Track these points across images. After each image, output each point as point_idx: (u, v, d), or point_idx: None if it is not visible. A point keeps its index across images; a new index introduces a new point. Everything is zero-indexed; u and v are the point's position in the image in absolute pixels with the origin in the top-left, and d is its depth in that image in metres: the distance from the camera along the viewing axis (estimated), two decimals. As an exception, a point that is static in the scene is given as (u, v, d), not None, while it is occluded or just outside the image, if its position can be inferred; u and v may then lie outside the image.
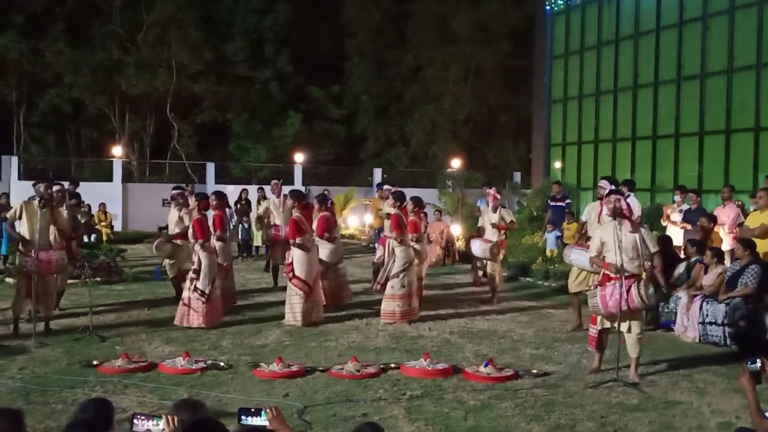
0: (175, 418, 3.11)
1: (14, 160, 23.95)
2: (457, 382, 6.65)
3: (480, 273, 11.75)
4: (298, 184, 25.64)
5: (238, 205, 17.53)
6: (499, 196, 11.01)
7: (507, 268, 13.25)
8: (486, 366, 6.81)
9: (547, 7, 24.31)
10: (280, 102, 30.44)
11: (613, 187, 7.88)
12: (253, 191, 18.47)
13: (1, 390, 6.17)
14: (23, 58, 26.38)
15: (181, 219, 10.32)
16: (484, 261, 11.01)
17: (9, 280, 10.11)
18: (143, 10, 27.43)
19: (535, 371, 6.96)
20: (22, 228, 8.46)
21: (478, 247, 10.80)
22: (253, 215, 17.21)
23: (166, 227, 10.86)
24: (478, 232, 11.23)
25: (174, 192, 10.85)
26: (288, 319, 9.03)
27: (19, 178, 22.83)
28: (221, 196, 10.43)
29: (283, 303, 9.38)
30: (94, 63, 26.97)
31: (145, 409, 5.47)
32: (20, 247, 8.50)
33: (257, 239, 16.72)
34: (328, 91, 31.24)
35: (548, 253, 14.20)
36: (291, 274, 9.11)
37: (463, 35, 28.73)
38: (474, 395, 6.22)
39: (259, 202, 17.21)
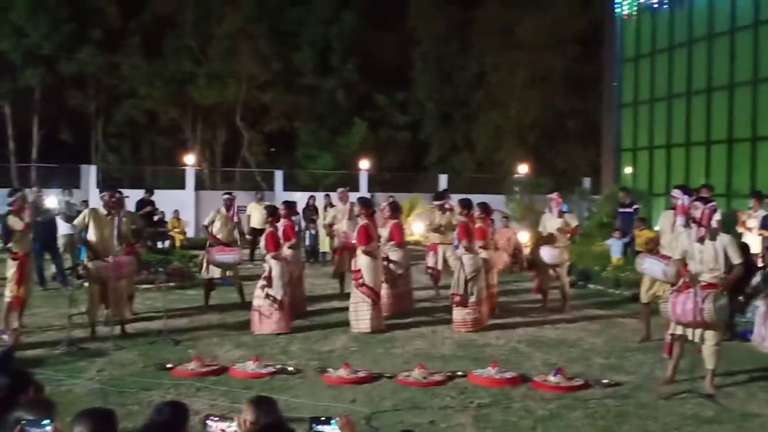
0: (247, 421, 3.18)
1: (93, 169, 24.92)
2: (526, 391, 6.56)
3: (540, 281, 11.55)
4: (363, 191, 25.79)
5: (306, 212, 17.75)
6: (561, 201, 10.84)
7: (576, 275, 13.01)
8: (555, 375, 6.70)
9: (617, 10, 23.82)
10: (346, 110, 30.76)
11: (686, 197, 7.64)
12: (320, 198, 18.68)
13: (81, 391, 6.42)
14: (101, 71, 27.46)
15: (224, 225, 10.62)
16: (552, 269, 10.80)
17: (87, 285, 10.50)
18: (214, 23, 28.16)
19: (605, 381, 6.80)
20: (91, 235, 8.77)
21: (548, 254, 10.60)
22: (320, 222, 17.42)
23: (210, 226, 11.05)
24: (544, 239, 11.05)
25: (224, 197, 11.25)
26: (354, 326, 9.07)
27: (98, 187, 23.70)
28: (291, 206, 10.63)
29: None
30: (167, 75, 27.85)
31: (216, 412, 5.59)
32: (89, 253, 8.81)
33: (324, 245, 16.90)
34: (393, 98, 31.39)
35: (613, 260, 13.88)
36: (360, 282, 9.14)
37: (529, 40, 28.44)
38: (543, 405, 6.13)
39: (325, 209, 17.41)
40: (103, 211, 8.88)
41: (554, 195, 10.90)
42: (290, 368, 7.16)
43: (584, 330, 9.37)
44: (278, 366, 7.19)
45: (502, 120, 29.83)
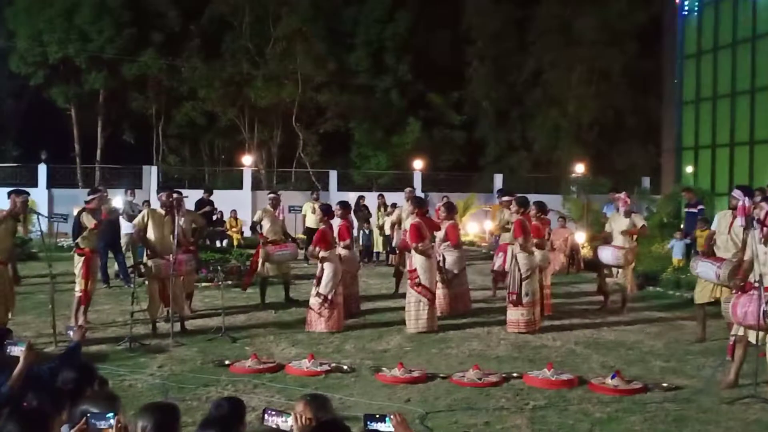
0: (303, 416, 3.23)
1: (154, 169, 25.61)
2: (583, 393, 6.47)
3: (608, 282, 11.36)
4: (417, 191, 25.80)
5: (358, 212, 17.83)
6: (629, 201, 10.64)
7: (636, 277, 12.74)
8: (613, 378, 6.58)
9: (681, 6, 23.23)
10: (400, 110, 30.79)
11: (747, 198, 7.43)
12: (374, 198, 18.75)
13: (142, 386, 6.60)
14: (162, 74, 28.12)
15: (272, 223, 10.79)
16: (614, 270, 10.60)
17: (147, 283, 10.79)
18: (271, 24, 28.55)
19: (665, 384, 6.66)
20: (150, 234, 9.01)
21: (610, 254, 10.41)
22: (373, 221, 17.51)
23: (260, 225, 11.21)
24: (605, 239, 10.87)
25: (270, 196, 11.46)
26: (410, 326, 9.06)
27: (158, 187, 24.32)
28: (346, 206, 10.71)
29: (403, 309, 9.46)
30: (226, 77, 28.33)
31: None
32: (148, 252, 9.06)
33: (378, 245, 16.98)
34: (447, 97, 31.27)
35: (674, 262, 13.55)
36: (416, 281, 9.14)
37: (587, 37, 27.98)
38: (600, 408, 6.03)
39: (378, 209, 17.49)
40: (161, 211, 9.12)
41: (622, 194, 10.73)
42: (345, 367, 7.22)
43: (643, 332, 9.18)
44: (333, 364, 7.26)
45: (560, 118, 29.42)
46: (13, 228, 8.03)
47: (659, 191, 23.48)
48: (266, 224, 11.00)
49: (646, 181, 27.10)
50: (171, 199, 9.13)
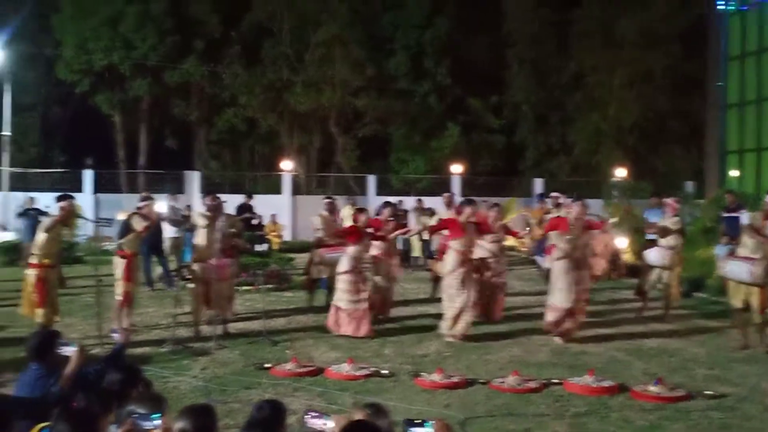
0: (344, 419, 3.26)
1: (196, 174, 26.00)
2: (624, 400, 6.40)
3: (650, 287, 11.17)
4: (456, 196, 25.71)
5: (396, 217, 17.80)
6: (677, 206, 10.49)
7: (680, 283, 12.53)
8: (655, 385, 6.50)
9: (720, 7, 22.81)
10: (438, 114, 30.75)
11: None
12: (411, 202, 18.74)
13: (185, 388, 6.72)
14: (203, 80, 28.58)
15: (327, 229, 10.85)
16: (654, 276, 10.43)
17: (192, 286, 10.96)
18: (310, 30, 28.79)
19: (709, 392, 6.55)
20: (199, 238, 9.16)
21: (655, 255, 10.28)
22: (411, 226, 17.48)
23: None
24: (651, 243, 10.73)
25: (325, 201, 11.51)
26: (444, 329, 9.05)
27: (200, 192, 24.68)
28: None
29: (442, 314, 9.42)
30: (266, 83, 28.65)
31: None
32: (195, 255, 9.21)
33: (416, 249, 16.95)
34: (486, 101, 31.13)
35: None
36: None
37: (628, 39, 27.63)
38: (642, 415, 5.96)
39: (416, 214, 17.47)
40: (206, 214, 9.27)
41: (671, 200, 10.60)
42: (384, 371, 7.25)
43: (686, 339, 9.03)
44: (372, 369, 7.29)
45: (601, 122, 29.06)
46: (61, 233, 8.26)
47: (703, 196, 23.03)
48: (322, 227, 11.05)
49: (689, 186, 26.59)
50: (215, 203, 9.27)
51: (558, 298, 8.72)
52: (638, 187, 23.57)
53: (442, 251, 11.60)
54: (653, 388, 6.47)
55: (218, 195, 10.01)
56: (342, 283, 9.15)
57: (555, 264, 8.91)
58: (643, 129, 29.33)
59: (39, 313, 7.96)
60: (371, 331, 9.02)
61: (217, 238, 8.97)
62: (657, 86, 28.60)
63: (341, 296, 9.12)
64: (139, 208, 9.59)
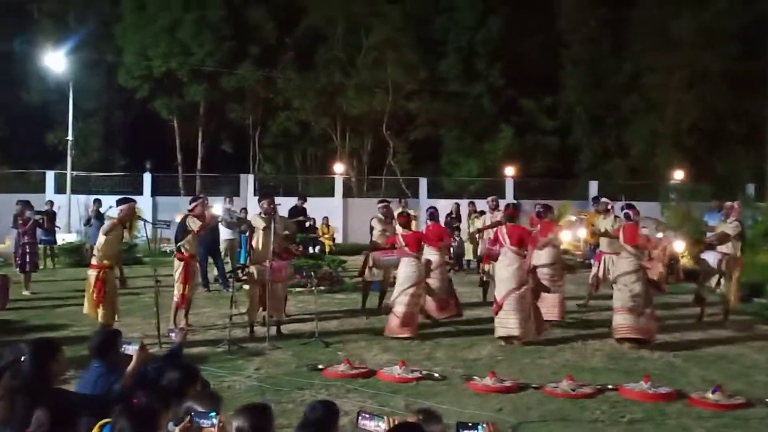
0: (395, 420, 3.28)
1: (250, 177, 26.43)
2: (682, 407, 6.26)
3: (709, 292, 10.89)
4: (509, 198, 25.51)
5: (449, 219, 17.77)
6: (739, 209, 10.24)
7: (740, 288, 12.18)
8: (714, 392, 6.34)
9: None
10: (491, 116, 30.57)
11: None
12: (464, 205, 18.66)
13: (240, 387, 6.84)
14: (258, 85, 29.03)
15: (383, 232, 10.85)
16: (713, 281, 10.16)
17: (246, 288, 11.14)
18: (363, 34, 28.97)
19: (770, 400, 6.36)
20: (256, 240, 9.31)
21: (713, 258, 10.05)
22: (464, 228, 17.42)
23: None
24: (709, 246, 10.48)
25: (380, 205, 11.50)
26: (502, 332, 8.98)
27: (254, 194, 25.07)
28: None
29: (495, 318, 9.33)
30: (319, 87, 28.95)
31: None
32: (252, 257, 9.36)
33: (468, 253, 16.86)
34: (540, 103, 30.82)
35: (781, 272, 12.87)
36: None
37: (687, 39, 27.00)
38: (700, 423, 5.82)
39: (469, 217, 17.39)
40: (263, 217, 9.41)
41: (735, 204, 10.35)
42: (436, 374, 7.24)
43: (746, 345, 8.79)
44: (424, 372, 7.29)
45: (658, 123, 28.50)
46: (121, 234, 8.50)
47: (764, 198, 22.30)
48: (377, 231, 11.10)
49: (750, 188, 25.79)
50: (272, 206, 9.41)
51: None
52: (697, 190, 23.02)
53: (489, 256, 11.55)
54: (712, 396, 6.32)
55: (270, 193, 10.18)
56: (400, 286, 9.19)
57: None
58: (702, 130, 28.60)
59: (99, 313, 8.21)
60: (415, 332, 9.04)
61: (273, 240, 9.09)
62: (716, 86, 27.86)
63: (399, 299, 9.16)
64: (190, 210, 9.82)
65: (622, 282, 8.78)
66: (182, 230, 9.80)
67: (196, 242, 9.71)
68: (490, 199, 13.17)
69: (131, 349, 4.36)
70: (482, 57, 30.31)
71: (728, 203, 10.57)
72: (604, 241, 11.07)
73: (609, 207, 11.55)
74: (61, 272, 16.03)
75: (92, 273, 8.27)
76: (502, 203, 12.35)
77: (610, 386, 6.82)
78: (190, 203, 10.04)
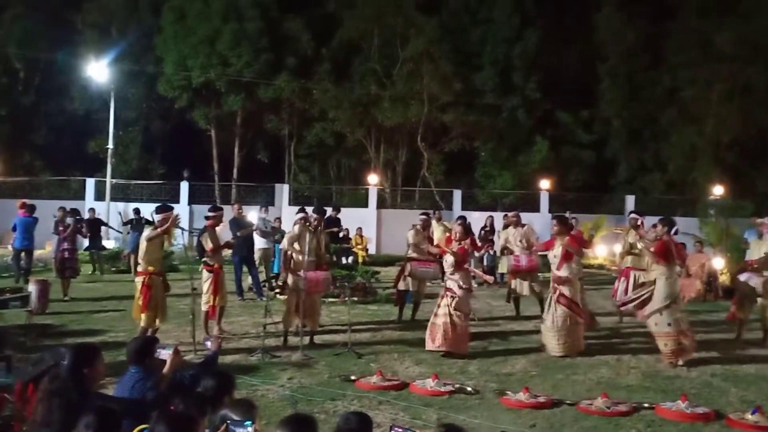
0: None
1: (285, 187, 26.67)
2: (719, 428, 6.14)
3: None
4: (544, 211, 25.35)
5: (483, 232, 17.69)
6: None
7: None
8: (753, 413, 6.19)
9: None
10: (526, 128, 30.42)
11: None
12: (498, 218, 18.57)
13: (273, 396, 6.87)
14: (294, 96, 29.30)
15: (421, 243, 10.84)
16: (754, 299, 9.95)
17: (281, 297, 11.21)
18: (398, 46, 29.08)
19: (813, 424, 6.19)
20: (296, 250, 9.38)
21: (755, 281, 9.82)
22: (497, 242, 17.32)
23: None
24: (746, 266, 10.24)
25: (422, 218, 11.48)
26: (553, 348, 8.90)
27: (289, 204, 25.29)
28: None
29: (529, 332, 9.31)
30: (354, 98, 29.11)
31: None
32: (290, 267, 9.41)
33: (502, 266, 16.75)
34: (576, 116, 30.59)
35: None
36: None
37: (728, 52, 26.58)
38: (740, 445, 5.69)
39: (504, 229, 17.28)
40: (311, 230, 9.46)
41: (766, 220, 10.12)
42: (469, 388, 7.20)
43: (788, 366, 8.57)
44: (457, 385, 7.25)
45: (697, 138, 28.06)
46: (162, 240, 8.66)
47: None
48: (414, 242, 11.08)
49: (792, 205, 25.26)
50: (317, 218, 9.49)
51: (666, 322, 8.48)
52: (737, 206, 22.57)
53: (515, 271, 11.45)
54: (751, 417, 6.18)
55: (305, 208, 10.22)
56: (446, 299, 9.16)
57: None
58: (743, 145, 28.09)
59: (142, 317, 8.36)
60: (466, 350, 8.91)
61: (312, 251, 9.16)
62: (758, 100, 27.36)
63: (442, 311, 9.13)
64: (207, 219, 9.86)
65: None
66: (200, 246, 9.91)
67: (219, 254, 9.74)
68: (511, 214, 13.05)
69: (165, 354, 4.42)
70: (518, 69, 30.20)
71: (759, 220, 10.29)
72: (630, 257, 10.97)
73: (639, 222, 11.39)
74: (100, 278, 16.31)
75: (139, 280, 8.47)
76: (537, 217, 12.28)
77: (645, 405, 6.72)
78: (209, 212, 10.02)
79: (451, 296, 8.83)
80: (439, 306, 8.98)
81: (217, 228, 9.94)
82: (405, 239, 11.32)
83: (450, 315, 8.73)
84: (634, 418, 6.39)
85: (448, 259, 9.07)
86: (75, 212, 14.69)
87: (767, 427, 6.04)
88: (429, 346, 8.84)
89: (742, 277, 10.13)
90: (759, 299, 9.83)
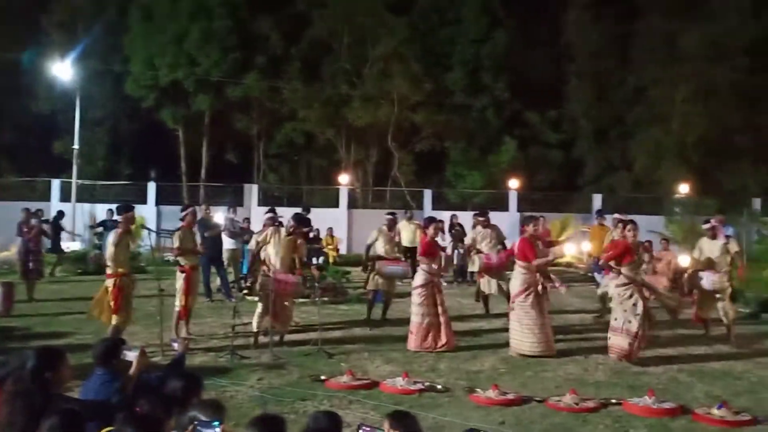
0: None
1: (254, 187, 26.49)
2: (686, 423, 6.22)
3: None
4: (512, 211, 25.53)
5: (453, 231, 17.77)
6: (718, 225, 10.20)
7: (746, 303, 12.16)
8: (719, 408, 6.30)
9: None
10: (496, 128, 30.62)
11: None
12: (467, 217, 18.65)
13: (242, 397, 6.82)
14: (264, 95, 29.12)
15: (387, 243, 10.88)
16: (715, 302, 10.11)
17: (249, 298, 11.13)
18: (369, 46, 29.07)
19: (776, 418, 6.32)
20: (268, 252, 9.32)
21: (707, 281, 9.97)
22: (467, 241, 17.40)
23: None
24: (707, 265, 10.40)
25: (388, 217, 11.46)
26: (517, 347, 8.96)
27: (259, 204, 25.13)
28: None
29: (498, 330, 9.36)
30: (324, 98, 29.04)
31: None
32: (263, 269, 9.35)
33: (474, 265, 16.84)
34: (544, 115, 30.88)
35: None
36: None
37: (693, 52, 27.02)
38: (705, 439, 5.79)
39: (474, 229, 17.37)
40: (283, 231, 9.43)
41: (715, 222, 10.30)
42: (439, 386, 7.22)
43: (753, 362, 8.73)
44: (427, 383, 7.27)
45: (663, 137, 28.47)
46: (128, 241, 8.54)
47: (771, 213, 22.27)
48: (380, 244, 11.06)
49: (756, 203, 25.76)
50: (292, 227, 9.45)
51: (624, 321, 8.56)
52: (702, 204, 22.95)
53: (486, 269, 11.51)
54: (717, 412, 6.28)
55: (275, 209, 10.18)
56: (414, 297, 9.19)
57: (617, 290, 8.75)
58: (708, 144, 28.56)
59: (114, 319, 8.24)
60: (451, 344, 9.01)
61: (285, 254, 9.13)
62: (723, 100, 27.84)
63: (413, 311, 9.18)
64: (181, 220, 9.85)
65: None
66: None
67: (194, 255, 9.68)
68: (477, 214, 13.11)
69: (131, 356, 4.37)
70: (487, 70, 30.38)
71: (707, 225, 10.43)
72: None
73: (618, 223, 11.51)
74: (66, 280, 16.05)
75: (110, 282, 8.33)
76: (505, 216, 12.37)
77: (613, 400, 6.79)
78: (181, 212, 10.04)
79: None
80: (435, 305, 9.14)
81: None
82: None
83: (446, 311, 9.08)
84: (602, 414, 6.46)
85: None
86: (39, 213, 14.44)
87: (733, 421, 6.15)
88: (425, 346, 8.95)
89: (701, 278, 10.24)
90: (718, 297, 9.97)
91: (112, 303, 8.26)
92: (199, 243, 10.20)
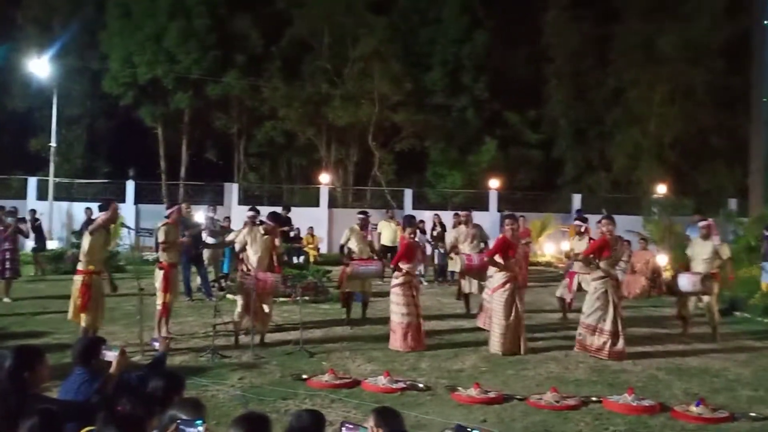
0: (375, 429, 3.28)
1: (235, 186, 26.36)
2: (665, 420, 6.28)
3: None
4: (493, 210, 25.65)
5: (434, 232, 17.80)
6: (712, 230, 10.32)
7: (722, 302, 12.30)
8: (697, 405, 6.37)
9: (766, 21, 22.42)
10: (476, 128, 30.68)
11: None
12: (448, 217, 18.70)
13: (224, 397, 6.78)
14: (244, 94, 28.96)
15: (359, 242, 10.97)
16: (702, 298, 10.21)
17: (230, 296, 11.09)
18: (349, 45, 29.03)
19: (753, 414, 6.40)
20: (249, 251, 9.29)
21: (687, 282, 10.06)
22: (448, 241, 17.44)
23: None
24: (685, 264, 10.52)
25: (360, 216, 11.51)
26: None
27: (239, 203, 25.01)
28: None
29: (479, 329, 9.39)
30: (305, 97, 28.92)
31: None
32: (242, 267, 9.31)
33: (455, 264, 16.89)
34: (524, 116, 31.00)
35: (763, 287, 12.98)
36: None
37: (670, 54, 27.29)
38: (684, 436, 5.84)
39: (454, 228, 17.42)
40: (261, 231, 9.40)
41: (710, 222, 10.45)
42: (420, 385, 7.23)
43: (730, 359, 8.84)
44: (409, 382, 7.28)
45: (641, 138, 28.73)
46: (106, 239, 8.43)
47: (746, 213, 22.55)
48: (354, 243, 11.07)
49: (732, 203, 26.11)
50: (273, 225, 9.44)
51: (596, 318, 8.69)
52: (680, 204, 23.21)
53: (468, 269, 11.55)
54: (695, 409, 6.34)
55: (257, 207, 10.14)
56: (394, 296, 9.19)
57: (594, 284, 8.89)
58: (685, 145, 28.88)
59: (82, 318, 8.10)
60: (422, 345, 9.03)
61: (264, 253, 9.10)
62: (699, 101, 28.16)
63: (393, 310, 9.18)
64: (167, 217, 9.80)
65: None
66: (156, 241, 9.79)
67: (175, 252, 9.63)
68: (462, 213, 13.13)
69: (111, 355, 4.32)
70: (467, 70, 30.43)
71: (703, 222, 10.54)
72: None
73: (582, 229, 11.64)
74: (42, 279, 15.86)
75: (78, 278, 8.16)
76: (486, 216, 12.42)
77: (594, 398, 6.85)
78: (167, 209, 10.01)
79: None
80: (416, 306, 9.19)
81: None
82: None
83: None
84: (583, 412, 6.50)
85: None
86: (14, 212, 14.23)
87: (710, 418, 6.22)
88: (405, 347, 8.95)
89: (679, 278, 10.33)
90: (704, 297, 10.07)
91: (78, 301, 8.08)
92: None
